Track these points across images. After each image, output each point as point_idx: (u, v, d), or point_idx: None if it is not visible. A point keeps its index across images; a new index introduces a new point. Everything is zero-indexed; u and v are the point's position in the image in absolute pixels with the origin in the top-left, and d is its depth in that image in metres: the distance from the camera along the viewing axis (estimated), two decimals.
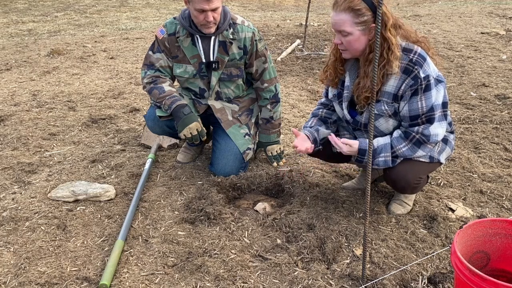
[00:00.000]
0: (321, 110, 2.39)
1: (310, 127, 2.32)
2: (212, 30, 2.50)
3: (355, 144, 2.08)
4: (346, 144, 2.08)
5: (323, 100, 2.43)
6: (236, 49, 2.62)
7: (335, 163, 2.80)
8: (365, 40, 1.98)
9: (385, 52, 1.94)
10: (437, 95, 1.98)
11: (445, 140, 2.19)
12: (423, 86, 1.95)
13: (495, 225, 1.70)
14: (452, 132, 2.25)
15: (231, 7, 10.78)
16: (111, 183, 2.63)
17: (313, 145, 2.23)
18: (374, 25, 1.92)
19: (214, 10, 2.40)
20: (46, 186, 2.62)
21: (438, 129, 2.01)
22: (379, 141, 2.08)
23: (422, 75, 1.94)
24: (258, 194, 2.58)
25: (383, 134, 2.16)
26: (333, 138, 2.10)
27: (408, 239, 2.12)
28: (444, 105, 2.02)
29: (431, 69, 1.97)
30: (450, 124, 2.21)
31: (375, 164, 2.08)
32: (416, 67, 1.95)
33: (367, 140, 2.09)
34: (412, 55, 1.97)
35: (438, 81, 1.98)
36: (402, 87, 1.98)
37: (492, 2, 10.10)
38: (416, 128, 2.02)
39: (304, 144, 2.20)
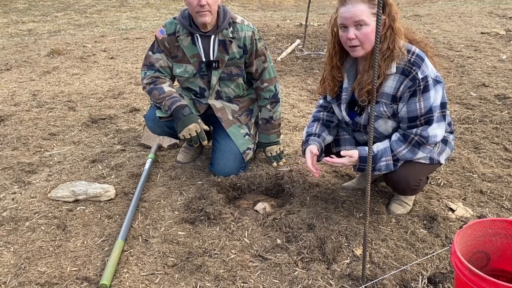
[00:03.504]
0: (322, 113, 2.37)
1: (317, 136, 2.28)
2: (207, 19, 2.47)
3: (355, 153, 2.05)
4: (346, 156, 2.06)
5: (321, 102, 2.41)
6: (236, 48, 2.62)
7: None
8: None
9: (390, 42, 1.93)
10: (435, 96, 1.97)
11: (444, 141, 2.19)
12: (422, 87, 1.94)
13: (495, 225, 1.70)
14: (451, 132, 2.25)
15: (231, 7, 10.78)
16: (111, 183, 2.63)
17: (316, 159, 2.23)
18: (385, 17, 1.92)
19: None
20: (46, 186, 2.62)
21: (436, 130, 2.01)
22: (378, 146, 2.07)
23: (420, 76, 1.93)
24: (258, 194, 2.58)
25: (382, 136, 2.16)
26: (329, 160, 2.07)
27: (408, 239, 2.12)
28: (443, 105, 2.01)
29: (429, 69, 1.96)
30: (449, 124, 2.21)
31: (377, 169, 2.07)
32: (414, 68, 1.94)
33: (366, 147, 2.09)
34: (410, 55, 1.96)
35: (437, 81, 1.98)
36: (401, 88, 1.97)
37: (492, 2, 10.10)
38: (414, 130, 2.01)
39: (315, 163, 2.21)
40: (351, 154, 2.06)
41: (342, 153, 2.07)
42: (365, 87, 2.02)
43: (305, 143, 2.28)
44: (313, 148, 2.20)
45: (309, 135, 2.30)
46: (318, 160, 2.29)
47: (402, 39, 1.95)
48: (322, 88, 2.23)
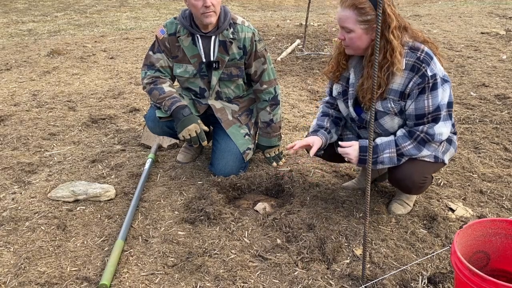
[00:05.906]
0: (330, 109, 2.36)
1: (328, 132, 2.27)
2: (213, 19, 2.48)
3: (355, 143, 2.07)
4: (348, 147, 2.07)
5: (327, 98, 2.41)
6: (236, 49, 2.62)
7: (335, 163, 2.80)
8: (368, 39, 1.98)
9: (388, 54, 1.93)
10: (443, 95, 1.98)
11: (449, 141, 2.19)
12: (430, 84, 1.95)
13: (495, 225, 1.70)
14: (455, 133, 2.25)
15: (231, 7, 10.78)
16: (111, 183, 2.63)
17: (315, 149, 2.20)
18: (375, 25, 1.92)
19: None
20: (46, 186, 2.62)
21: (442, 129, 2.01)
22: (382, 139, 2.08)
23: (429, 74, 1.94)
24: (258, 194, 2.58)
25: (387, 133, 2.15)
26: (340, 149, 2.11)
27: (408, 239, 2.12)
28: (450, 105, 2.02)
29: (438, 68, 1.97)
30: (453, 125, 2.21)
31: (380, 162, 2.07)
32: (423, 65, 1.95)
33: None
34: (419, 53, 1.97)
35: (444, 80, 1.99)
36: (410, 85, 1.98)
37: (492, 2, 10.10)
38: (421, 127, 2.01)
39: (314, 148, 2.18)
40: (350, 144, 2.07)
41: (340, 145, 2.08)
42: (367, 95, 2.05)
43: (314, 131, 2.27)
44: (317, 140, 2.20)
45: (320, 127, 2.29)
46: (317, 155, 2.31)
47: (400, 49, 1.93)
48: (328, 68, 2.26)
